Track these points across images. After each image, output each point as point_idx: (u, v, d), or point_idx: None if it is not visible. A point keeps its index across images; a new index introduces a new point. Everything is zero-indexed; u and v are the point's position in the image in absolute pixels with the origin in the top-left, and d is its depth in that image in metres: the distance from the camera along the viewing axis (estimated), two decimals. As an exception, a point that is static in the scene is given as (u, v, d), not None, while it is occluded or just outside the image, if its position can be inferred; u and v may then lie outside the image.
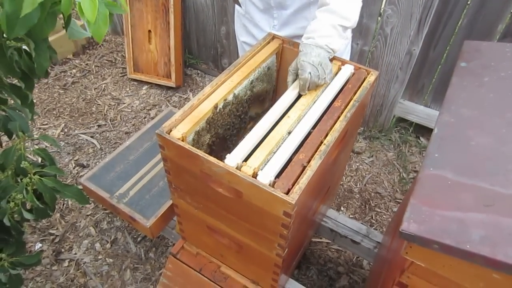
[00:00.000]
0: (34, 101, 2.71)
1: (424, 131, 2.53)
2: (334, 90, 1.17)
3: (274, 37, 1.36)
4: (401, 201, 2.21)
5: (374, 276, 1.49)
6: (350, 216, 2.16)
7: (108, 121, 2.71)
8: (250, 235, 1.10)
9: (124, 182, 1.64)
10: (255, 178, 0.91)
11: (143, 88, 2.99)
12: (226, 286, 1.36)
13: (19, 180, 1.00)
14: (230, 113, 1.22)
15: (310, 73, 1.11)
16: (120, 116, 2.76)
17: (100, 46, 3.36)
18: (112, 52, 3.33)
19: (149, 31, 2.87)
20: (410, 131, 2.55)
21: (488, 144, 0.88)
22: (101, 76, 3.09)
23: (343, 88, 1.19)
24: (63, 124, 2.67)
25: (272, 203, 0.90)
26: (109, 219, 2.12)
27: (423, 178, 0.83)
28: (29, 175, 0.98)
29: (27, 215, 0.99)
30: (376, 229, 2.08)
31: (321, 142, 1.01)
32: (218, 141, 1.23)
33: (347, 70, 1.24)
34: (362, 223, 1.71)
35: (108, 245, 2.01)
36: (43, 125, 2.66)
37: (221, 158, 0.95)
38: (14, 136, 1.03)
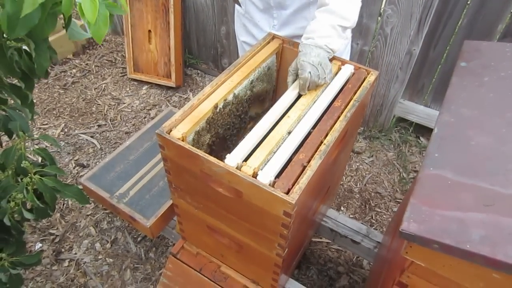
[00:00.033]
0: (34, 101, 2.72)
1: (424, 131, 2.53)
2: (334, 90, 1.17)
3: (274, 37, 1.36)
4: (401, 201, 2.21)
5: (374, 276, 1.49)
6: (350, 216, 2.16)
7: (108, 121, 2.71)
8: (250, 235, 1.10)
9: (124, 182, 1.64)
10: (255, 178, 0.91)
11: (143, 88, 3.00)
12: (226, 286, 1.36)
13: (19, 179, 1.00)
14: (230, 113, 1.22)
15: (310, 72, 1.12)
16: (120, 116, 2.76)
17: (100, 46, 3.36)
18: (112, 52, 3.33)
19: (149, 31, 2.87)
20: (410, 131, 2.55)
21: (488, 144, 0.88)
22: (101, 76, 3.09)
23: (343, 88, 1.19)
24: (63, 124, 2.67)
25: (272, 203, 0.90)
26: (109, 219, 2.13)
27: (423, 178, 0.83)
28: (29, 174, 0.98)
29: (27, 215, 0.99)
30: (376, 229, 2.08)
31: (321, 142, 1.01)
32: (218, 141, 1.23)
33: (347, 70, 1.24)
34: (362, 223, 1.71)
35: (108, 245, 2.01)
36: (43, 125, 2.66)
37: (221, 158, 0.95)
38: (14, 136, 1.03)
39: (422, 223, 0.74)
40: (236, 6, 1.58)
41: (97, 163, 2.39)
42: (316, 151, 0.99)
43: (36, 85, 2.88)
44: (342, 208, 2.20)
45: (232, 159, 0.95)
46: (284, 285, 1.45)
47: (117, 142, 2.57)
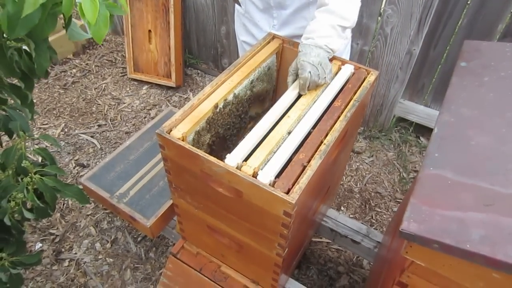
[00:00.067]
0: (34, 101, 2.72)
1: (424, 131, 2.53)
2: (334, 90, 1.17)
3: (274, 37, 1.36)
4: (401, 200, 2.21)
5: (374, 276, 1.50)
6: (350, 215, 2.16)
7: (108, 121, 2.71)
8: (250, 234, 1.10)
9: (124, 182, 1.64)
10: (255, 178, 0.91)
11: (143, 88, 3.00)
12: (226, 286, 1.36)
13: (19, 179, 1.00)
14: (230, 113, 1.22)
15: (310, 72, 1.12)
16: (120, 116, 2.76)
17: (100, 46, 3.36)
18: (112, 52, 3.33)
19: (149, 31, 2.87)
20: (410, 131, 2.55)
21: (488, 144, 0.88)
22: (101, 76, 3.09)
23: (343, 88, 1.19)
24: (63, 124, 2.67)
25: (272, 202, 0.90)
26: (109, 219, 2.13)
27: (423, 177, 0.83)
28: (29, 174, 0.98)
29: (27, 215, 0.99)
30: (376, 229, 2.08)
31: (321, 142, 1.01)
32: (218, 141, 1.23)
33: (347, 70, 1.24)
34: (362, 223, 1.71)
35: (108, 245, 2.01)
36: (43, 125, 2.66)
37: (221, 158, 0.95)
38: (14, 135, 1.03)
39: (422, 223, 0.74)
40: (236, 6, 1.58)
41: (97, 163, 2.39)
42: (316, 151, 0.99)
43: (36, 85, 2.88)
44: (342, 208, 2.20)
45: (232, 159, 0.95)
46: (284, 285, 1.45)
47: (117, 142, 2.57)
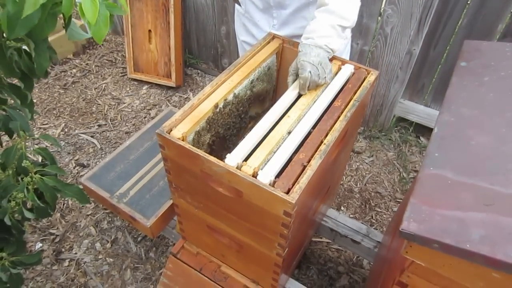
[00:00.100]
0: (34, 101, 2.72)
1: (424, 130, 2.53)
2: (334, 90, 1.17)
3: (274, 36, 1.36)
4: (401, 200, 2.21)
5: (374, 276, 1.50)
6: (350, 215, 2.16)
7: (108, 120, 2.71)
8: (250, 234, 1.10)
9: (125, 182, 1.64)
10: (255, 177, 0.91)
11: (143, 88, 3.00)
12: (226, 286, 1.36)
13: (20, 179, 1.00)
14: (230, 112, 1.22)
15: (310, 72, 1.12)
16: (120, 116, 2.76)
17: (100, 46, 3.36)
18: (112, 52, 3.33)
19: (149, 30, 2.87)
20: (410, 130, 2.55)
21: (488, 144, 0.88)
22: (101, 76, 3.09)
23: (343, 88, 1.19)
24: (63, 124, 2.67)
25: (272, 202, 0.90)
26: (110, 219, 2.13)
27: (423, 177, 0.83)
28: (30, 174, 0.98)
29: (28, 214, 0.99)
30: (376, 229, 2.08)
31: (321, 142, 1.01)
32: (218, 141, 1.23)
33: (347, 69, 1.24)
34: (362, 223, 1.71)
35: (109, 245, 2.01)
36: (43, 124, 2.66)
37: (221, 158, 0.95)
38: (14, 135, 1.03)
39: (422, 223, 0.74)
40: (236, 5, 1.58)
41: (97, 163, 2.39)
42: (316, 151, 0.99)
43: (36, 85, 2.88)
44: (342, 208, 2.20)
45: (232, 158, 0.95)
46: (284, 284, 1.45)
47: (117, 142, 2.57)
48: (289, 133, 1.04)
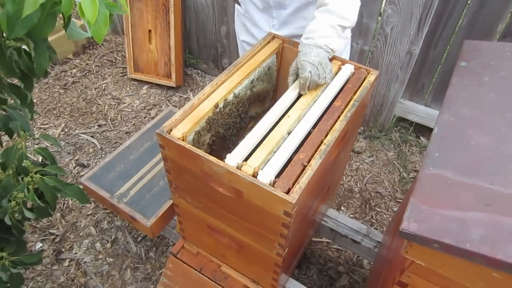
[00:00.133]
0: (34, 100, 2.72)
1: (424, 130, 2.53)
2: (334, 90, 1.17)
3: (274, 36, 1.36)
4: (401, 200, 2.21)
5: (375, 276, 1.50)
6: (351, 215, 2.16)
7: (109, 120, 2.71)
8: (250, 234, 1.10)
9: (125, 182, 1.64)
10: (256, 177, 0.91)
11: (144, 88, 3.00)
12: (226, 286, 1.36)
13: (20, 179, 1.00)
14: (230, 112, 1.22)
15: (310, 72, 1.12)
16: (121, 116, 2.76)
17: (100, 46, 3.37)
18: (113, 52, 3.33)
19: (149, 30, 2.87)
20: (410, 130, 2.55)
21: (488, 144, 0.88)
22: (101, 76, 3.09)
23: (343, 88, 1.19)
24: (63, 124, 2.67)
25: (273, 202, 0.90)
26: (110, 219, 2.13)
27: (423, 177, 0.83)
28: (30, 174, 0.98)
29: (28, 214, 0.99)
30: (377, 229, 2.08)
31: (321, 142, 1.01)
32: (218, 141, 1.23)
33: (347, 69, 1.24)
34: (362, 223, 1.71)
35: (109, 245, 2.01)
36: (44, 124, 2.66)
37: (222, 158, 0.95)
38: (15, 135, 1.03)
39: (422, 223, 0.74)
40: (236, 5, 1.58)
41: (98, 163, 2.39)
42: (316, 150, 0.99)
43: (36, 85, 2.88)
44: (342, 208, 2.20)
45: (233, 158, 0.95)
46: (284, 284, 1.45)
47: (117, 142, 2.57)
48: (289, 133, 1.04)
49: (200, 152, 0.95)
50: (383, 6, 2.09)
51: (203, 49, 3.09)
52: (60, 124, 2.66)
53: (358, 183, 2.32)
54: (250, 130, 1.05)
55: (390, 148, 2.53)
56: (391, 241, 1.25)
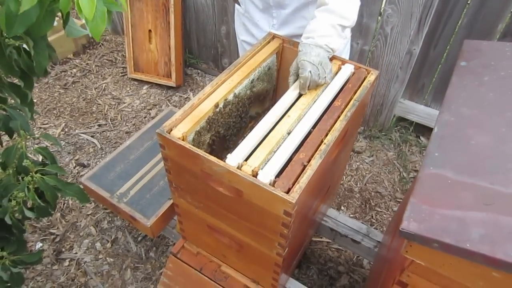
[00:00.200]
0: (35, 100, 2.72)
1: (424, 130, 2.53)
2: (334, 90, 1.17)
3: (274, 36, 1.36)
4: (401, 200, 2.21)
5: (375, 275, 1.50)
6: (351, 215, 2.16)
7: (109, 120, 2.72)
8: (250, 234, 1.10)
9: (125, 182, 1.64)
10: (256, 177, 0.91)
11: (144, 88, 3.00)
12: (226, 286, 1.36)
13: (20, 178, 1.00)
14: (230, 112, 1.22)
15: (310, 71, 1.12)
16: (121, 116, 2.76)
17: (100, 46, 3.37)
18: (113, 51, 3.33)
19: (150, 30, 2.87)
20: (410, 130, 2.55)
21: (488, 143, 0.88)
22: (101, 76, 3.09)
23: (343, 88, 1.19)
24: (63, 124, 2.67)
25: (273, 202, 0.90)
26: (110, 219, 2.13)
27: (423, 177, 0.83)
28: (30, 173, 0.98)
29: (28, 214, 0.99)
30: (377, 229, 2.08)
31: (322, 142, 1.01)
32: (218, 141, 1.23)
33: (347, 69, 1.24)
34: (362, 223, 1.71)
35: (109, 245, 2.01)
36: (44, 124, 2.66)
37: (222, 158, 0.95)
38: (15, 135, 1.03)
39: (422, 222, 0.74)
40: (236, 5, 1.58)
41: (98, 162, 2.39)
42: (316, 150, 0.99)
43: (36, 84, 2.88)
44: (342, 208, 2.20)
45: (233, 158, 0.95)
46: (284, 284, 1.45)
47: (118, 141, 2.57)
48: (289, 133, 1.04)
49: (200, 152, 0.95)
50: (383, 6, 2.09)
51: (203, 49, 3.09)
52: (60, 124, 2.67)
53: (358, 183, 2.32)
54: (250, 130, 1.05)
55: (390, 148, 2.53)
56: (391, 241, 1.25)
